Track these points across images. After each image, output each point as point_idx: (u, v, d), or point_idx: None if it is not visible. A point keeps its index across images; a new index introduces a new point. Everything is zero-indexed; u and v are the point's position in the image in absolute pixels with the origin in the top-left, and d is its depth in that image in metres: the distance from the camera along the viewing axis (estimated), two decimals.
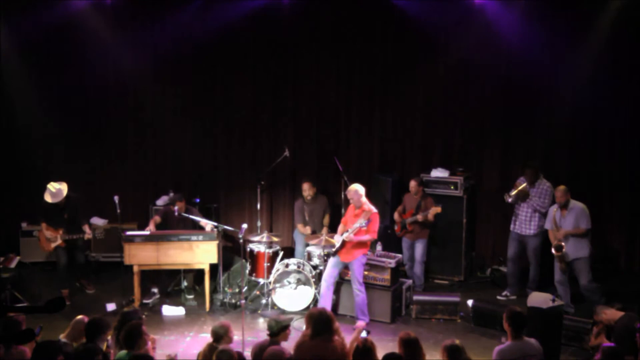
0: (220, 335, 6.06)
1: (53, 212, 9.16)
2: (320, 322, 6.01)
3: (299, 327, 7.85)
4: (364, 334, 6.07)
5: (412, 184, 9.53)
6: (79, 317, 6.33)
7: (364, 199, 8.39)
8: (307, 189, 9.85)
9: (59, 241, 9.17)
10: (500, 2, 9.87)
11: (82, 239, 9.29)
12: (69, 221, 9.21)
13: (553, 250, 8.52)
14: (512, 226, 9.27)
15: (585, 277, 8.52)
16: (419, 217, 9.31)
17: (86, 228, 9.28)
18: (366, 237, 8.27)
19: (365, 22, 10.39)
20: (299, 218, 9.97)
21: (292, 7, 10.40)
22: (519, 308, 6.23)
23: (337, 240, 8.43)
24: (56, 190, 9.03)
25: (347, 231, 8.28)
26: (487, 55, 10.10)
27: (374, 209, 8.34)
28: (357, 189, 8.38)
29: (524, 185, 8.98)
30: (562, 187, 8.56)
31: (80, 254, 9.51)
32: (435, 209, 9.23)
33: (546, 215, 8.86)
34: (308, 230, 9.74)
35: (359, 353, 5.60)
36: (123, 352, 5.75)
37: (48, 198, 9.05)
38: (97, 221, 10.35)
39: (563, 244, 8.44)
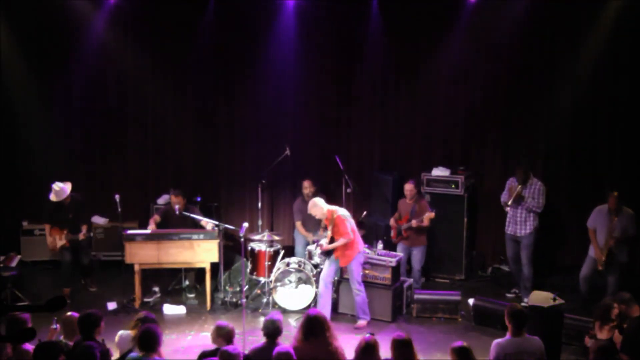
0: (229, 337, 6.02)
1: (58, 213, 9.20)
2: (312, 323, 5.99)
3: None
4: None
5: (409, 187, 9.33)
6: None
7: (326, 207, 8.38)
8: (307, 187, 9.86)
9: (64, 241, 9.21)
10: (500, 1, 9.87)
11: (85, 240, 9.33)
12: (73, 221, 9.25)
13: (600, 258, 8.53)
14: (506, 228, 9.25)
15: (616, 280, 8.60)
16: (413, 223, 9.14)
17: (83, 228, 9.28)
18: (341, 242, 8.28)
19: (361, 22, 10.37)
20: (298, 216, 9.98)
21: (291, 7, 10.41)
22: (520, 306, 6.21)
23: (324, 243, 8.57)
24: (60, 188, 9.08)
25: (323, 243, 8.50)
26: (488, 54, 10.11)
27: (338, 211, 8.34)
28: (315, 204, 8.40)
29: (519, 188, 8.97)
30: (615, 194, 8.48)
31: (85, 255, 9.53)
32: (429, 215, 9.03)
33: (539, 215, 8.97)
34: (310, 236, 9.71)
35: (361, 350, 5.60)
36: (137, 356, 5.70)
37: (53, 197, 9.11)
38: (98, 220, 10.36)
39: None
